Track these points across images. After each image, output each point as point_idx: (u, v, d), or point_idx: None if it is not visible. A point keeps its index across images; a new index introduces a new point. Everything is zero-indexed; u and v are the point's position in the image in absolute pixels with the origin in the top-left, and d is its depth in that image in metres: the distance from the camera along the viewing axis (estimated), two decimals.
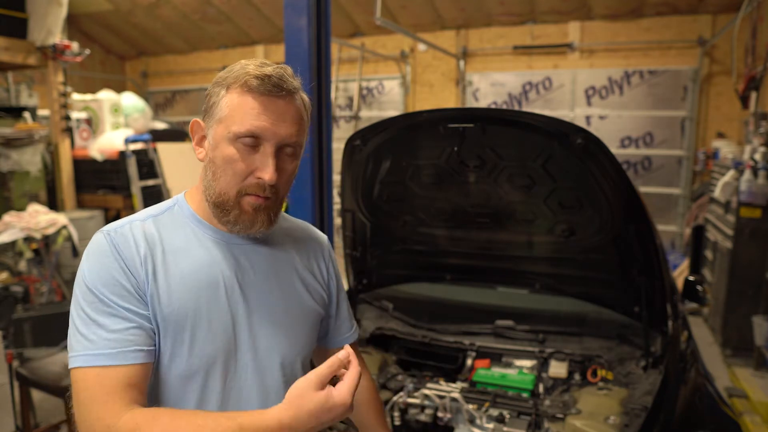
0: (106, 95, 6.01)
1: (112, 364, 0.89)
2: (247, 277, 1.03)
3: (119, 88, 7.50)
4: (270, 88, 0.96)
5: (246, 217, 1.00)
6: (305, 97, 1.03)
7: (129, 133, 5.75)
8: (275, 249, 1.10)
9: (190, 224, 1.04)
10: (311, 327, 1.14)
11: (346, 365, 0.92)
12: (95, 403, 0.87)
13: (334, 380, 0.90)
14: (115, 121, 5.96)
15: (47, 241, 4.41)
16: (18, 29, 4.88)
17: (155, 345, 0.95)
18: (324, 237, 1.25)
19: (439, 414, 1.87)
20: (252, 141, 0.96)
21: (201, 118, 1.02)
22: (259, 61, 1.00)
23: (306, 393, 0.86)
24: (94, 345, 0.90)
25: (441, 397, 1.89)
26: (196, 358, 0.97)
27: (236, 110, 0.96)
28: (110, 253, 0.95)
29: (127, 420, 0.85)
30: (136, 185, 5.40)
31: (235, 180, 0.98)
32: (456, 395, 1.87)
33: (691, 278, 2.42)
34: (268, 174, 0.96)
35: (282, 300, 1.08)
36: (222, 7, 7.49)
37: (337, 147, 2.39)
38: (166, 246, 0.99)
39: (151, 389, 0.98)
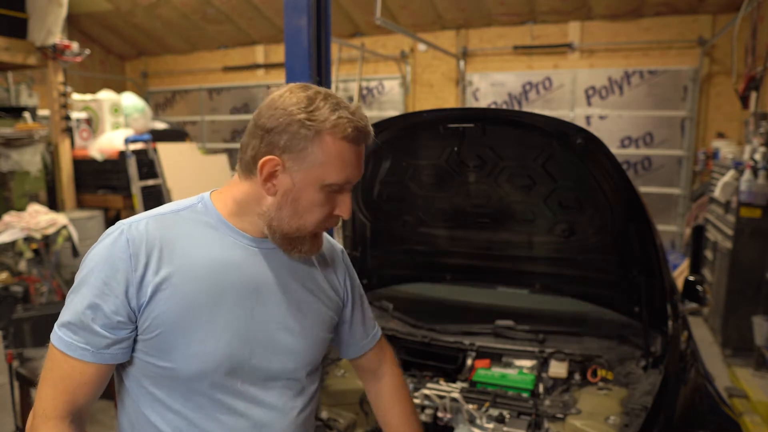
0: (106, 95, 6.01)
1: (66, 352, 0.95)
2: (265, 282, 1.04)
3: (119, 88, 7.50)
4: (364, 137, 0.99)
5: (315, 246, 1.06)
6: None
7: (129, 133, 5.75)
8: None
9: (213, 224, 1.03)
10: (325, 333, 1.15)
11: None
12: (47, 381, 0.97)
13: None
14: (115, 121, 5.96)
15: (47, 241, 4.41)
16: (18, 29, 4.88)
17: (114, 351, 0.97)
18: (339, 247, 1.26)
19: (439, 414, 1.87)
20: (341, 187, 1.00)
21: (272, 153, 0.96)
22: (339, 100, 0.98)
23: None
24: (63, 326, 0.96)
25: (441, 397, 1.89)
26: (202, 359, 0.98)
27: (334, 160, 0.96)
28: (118, 248, 0.96)
29: (47, 429, 0.95)
30: (136, 185, 5.40)
31: (319, 220, 1.02)
32: (456, 395, 1.87)
33: (691, 278, 2.42)
34: (347, 213, 1.03)
35: (298, 306, 1.08)
36: (222, 7, 7.49)
37: None
38: (184, 245, 0.99)
39: (158, 391, 1.00)
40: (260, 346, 1.03)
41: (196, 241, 1.00)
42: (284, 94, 0.97)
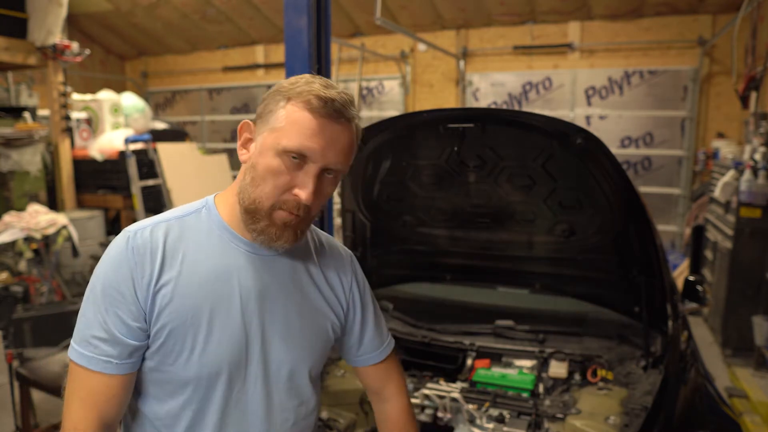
0: (106, 95, 6.02)
1: (88, 367, 0.95)
2: (266, 289, 1.04)
3: (119, 88, 7.50)
4: (330, 112, 0.96)
5: (273, 230, 0.99)
6: (359, 126, 1.03)
7: (129, 133, 5.75)
8: (298, 262, 1.10)
9: (216, 230, 1.03)
10: (325, 341, 1.14)
11: None
12: (74, 398, 0.96)
13: None
14: (115, 121, 5.97)
15: (47, 241, 4.42)
16: (18, 29, 4.89)
17: (135, 358, 0.97)
18: (348, 252, 1.23)
19: (439, 414, 1.87)
20: (299, 159, 0.96)
21: (252, 120, 1.02)
22: (325, 81, 1.00)
23: None
24: (82, 341, 0.96)
25: (441, 397, 1.89)
26: (202, 365, 0.99)
27: (292, 125, 0.95)
28: (125, 256, 0.96)
29: None
30: (136, 185, 5.40)
31: (273, 192, 0.97)
32: (456, 395, 1.87)
33: (691, 278, 2.42)
34: (305, 194, 0.96)
35: (299, 314, 1.08)
36: (222, 7, 7.49)
37: None
38: (187, 251, 1.00)
39: (156, 390, 1.01)
40: (256, 356, 1.03)
41: (198, 249, 1.01)
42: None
